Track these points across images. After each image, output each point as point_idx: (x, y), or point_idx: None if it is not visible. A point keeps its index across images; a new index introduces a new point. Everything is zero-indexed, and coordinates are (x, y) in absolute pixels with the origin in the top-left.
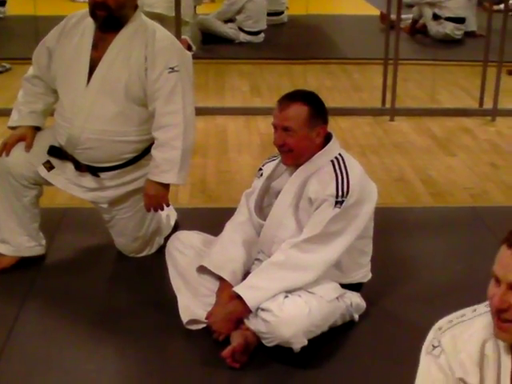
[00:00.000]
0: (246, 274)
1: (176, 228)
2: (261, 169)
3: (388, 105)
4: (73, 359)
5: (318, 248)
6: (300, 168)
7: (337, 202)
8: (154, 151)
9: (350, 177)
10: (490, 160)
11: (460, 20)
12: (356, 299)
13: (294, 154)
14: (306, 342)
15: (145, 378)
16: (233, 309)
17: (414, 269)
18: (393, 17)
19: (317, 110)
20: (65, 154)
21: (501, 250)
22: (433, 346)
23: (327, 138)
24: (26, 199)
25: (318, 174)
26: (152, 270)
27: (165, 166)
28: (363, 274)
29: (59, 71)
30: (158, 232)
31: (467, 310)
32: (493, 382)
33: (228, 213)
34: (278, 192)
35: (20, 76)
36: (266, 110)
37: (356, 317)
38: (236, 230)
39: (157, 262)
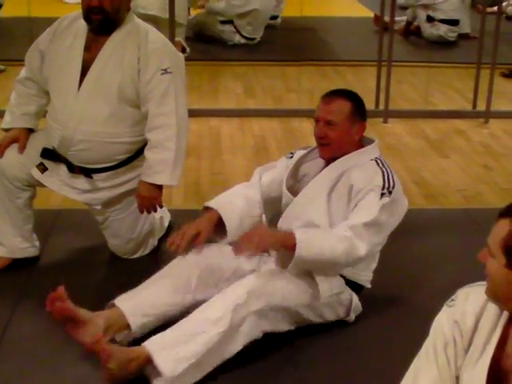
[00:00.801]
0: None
1: (170, 229)
2: (292, 152)
3: (381, 107)
4: (66, 361)
5: (369, 237)
6: (338, 160)
7: (383, 194)
8: (147, 152)
9: (393, 175)
10: (484, 162)
11: (454, 22)
12: (355, 298)
13: (332, 147)
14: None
15: (137, 380)
16: (284, 237)
17: (407, 270)
18: (387, 19)
19: (359, 107)
20: (58, 156)
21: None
22: (452, 299)
23: (368, 141)
24: (19, 201)
25: (360, 167)
26: (146, 272)
27: (158, 167)
28: (368, 278)
29: (52, 73)
30: (152, 233)
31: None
32: (485, 336)
33: None
34: (304, 175)
35: (14, 77)
36: (259, 111)
37: (352, 317)
38: (242, 188)
39: (150, 264)
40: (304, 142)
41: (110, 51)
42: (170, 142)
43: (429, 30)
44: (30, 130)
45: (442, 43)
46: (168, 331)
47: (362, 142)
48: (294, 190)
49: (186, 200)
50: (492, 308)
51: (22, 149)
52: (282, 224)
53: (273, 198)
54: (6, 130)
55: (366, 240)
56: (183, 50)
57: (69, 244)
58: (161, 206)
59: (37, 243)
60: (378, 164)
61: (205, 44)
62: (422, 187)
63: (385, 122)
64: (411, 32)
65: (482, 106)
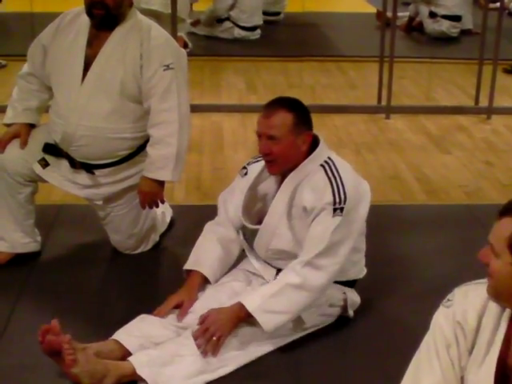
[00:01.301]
0: (225, 269)
1: (171, 225)
2: (245, 167)
3: (383, 102)
4: None
5: (329, 261)
6: (289, 176)
7: (335, 210)
8: (149, 148)
9: (344, 181)
10: (485, 158)
11: (456, 18)
12: (351, 294)
13: (279, 163)
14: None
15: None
16: (237, 314)
17: (408, 266)
18: (389, 14)
19: (301, 116)
20: (60, 152)
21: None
22: (448, 299)
23: (314, 142)
24: (20, 196)
25: (309, 181)
26: (147, 267)
27: (160, 163)
28: (357, 271)
29: (54, 68)
30: (154, 229)
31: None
32: (488, 336)
33: None
34: (265, 195)
35: (16, 73)
36: (261, 107)
37: (351, 313)
38: (212, 230)
39: (152, 259)
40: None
41: (112, 47)
42: (172, 138)
43: (431, 26)
44: (32, 126)
45: (444, 39)
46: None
47: (309, 149)
48: (256, 216)
49: (188, 195)
50: (493, 306)
51: (23, 144)
52: (258, 252)
53: None
54: (8, 125)
55: (323, 269)
56: (185, 46)
57: (70, 239)
58: (162, 202)
59: (38, 238)
60: (326, 172)
61: (207, 39)
62: (424, 183)
63: (387, 117)
64: (413, 28)
65: (484, 102)
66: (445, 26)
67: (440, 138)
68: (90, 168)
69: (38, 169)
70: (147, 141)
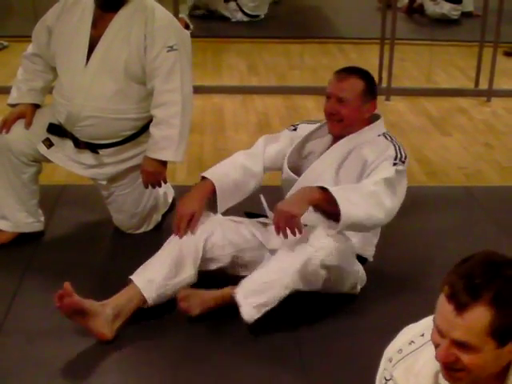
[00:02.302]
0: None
1: (173, 205)
2: (294, 125)
3: (384, 84)
4: (71, 332)
5: (392, 195)
6: (348, 137)
7: (395, 164)
8: (152, 129)
9: (402, 148)
10: (485, 140)
11: (457, 0)
12: (362, 270)
13: (343, 124)
14: None
15: (141, 350)
16: (310, 195)
17: (408, 247)
18: None
19: (371, 86)
20: (64, 132)
21: (440, 299)
22: (385, 379)
23: (375, 117)
24: (25, 176)
25: (370, 143)
26: (149, 247)
27: (163, 144)
28: (371, 253)
29: (59, 49)
30: (156, 209)
31: (415, 335)
32: None
33: None
34: (310, 153)
35: (17, 53)
36: (263, 88)
37: (358, 289)
38: (241, 156)
39: (154, 239)
40: (307, 119)
41: (116, 28)
42: (175, 118)
43: (432, 8)
44: (36, 106)
45: (444, 21)
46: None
47: (370, 119)
48: (297, 169)
49: (190, 176)
50: (442, 378)
51: (28, 124)
52: None
53: (277, 170)
54: (13, 106)
55: (393, 192)
56: (187, 27)
57: (73, 219)
58: (165, 182)
59: (42, 218)
60: (387, 138)
61: (208, 21)
62: (424, 165)
63: (387, 99)
64: (414, 10)
65: (484, 85)
66: (446, 8)
67: (440, 119)
68: (94, 148)
69: (42, 149)
70: (151, 121)
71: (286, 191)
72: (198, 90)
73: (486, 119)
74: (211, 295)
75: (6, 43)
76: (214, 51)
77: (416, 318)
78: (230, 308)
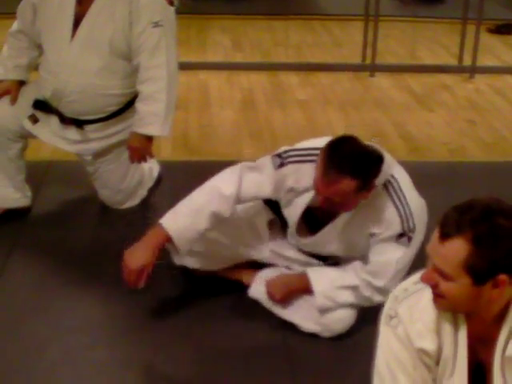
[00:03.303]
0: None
1: (159, 181)
2: (281, 156)
3: (368, 61)
4: (59, 308)
5: (390, 283)
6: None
7: (402, 238)
8: (138, 104)
9: (411, 207)
10: (468, 116)
11: None
12: None
13: (339, 208)
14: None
15: (129, 324)
16: (297, 286)
17: None
18: None
19: (366, 178)
20: (49, 108)
21: (435, 230)
22: (390, 316)
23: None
24: (11, 152)
25: (374, 204)
26: (134, 221)
27: (149, 119)
28: None
29: (44, 26)
30: (141, 184)
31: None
32: (451, 347)
33: (209, 166)
34: (304, 209)
35: (4, 31)
36: (247, 65)
37: None
38: (215, 199)
39: (139, 214)
40: (291, 96)
41: (101, 4)
42: (161, 93)
43: None
44: (22, 83)
45: None
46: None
47: None
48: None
49: (174, 151)
50: (445, 315)
51: (13, 101)
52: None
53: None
54: None
55: (386, 290)
56: (171, 3)
57: (60, 195)
58: (151, 157)
59: (29, 193)
60: (391, 196)
61: None
62: (407, 140)
63: (371, 75)
64: None
65: (467, 62)
66: None
67: (424, 96)
68: (79, 123)
69: (28, 125)
70: (136, 97)
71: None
72: (182, 66)
73: (469, 96)
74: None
75: None
76: (199, 28)
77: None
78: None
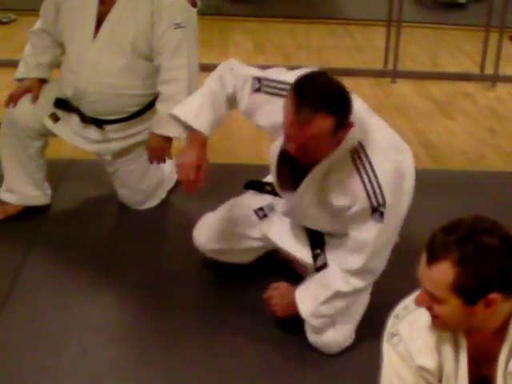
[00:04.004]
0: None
1: (178, 182)
2: (260, 81)
3: (390, 67)
4: (76, 305)
5: (376, 263)
6: (316, 168)
7: (374, 212)
8: (158, 105)
9: (379, 179)
10: (489, 125)
11: None
12: None
13: (311, 157)
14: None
15: (144, 323)
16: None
17: (410, 229)
18: None
19: (342, 115)
20: (70, 106)
21: (423, 254)
22: (392, 334)
23: None
24: (31, 150)
25: (338, 175)
26: (153, 222)
27: (168, 120)
28: None
29: (66, 25)
30: (161, 185)
31: None
32: (452, 364)
33: (229, 168)
34: (280, 152)
35: (25, 27)
36: (269, 67)
37: None
38: (217, 89)
39: (158, 215)
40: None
41: (124, 4)
42: (180, 95)
43: None
44: (43, 81)
45: (452, 5)
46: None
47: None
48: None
49: None
50: (445, 332)
51: (35, 99)
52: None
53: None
54: (20, 80)
55: (371, 272)
56: (194, 4)
57: (79, 193)
58: (170, 158)
59: (48, 191)
60: (357, 167)
61: None
62: (428, 148)
63: (393, 82)
64: None
65: (489, 70)
66: None
67: (445, 103)
68: (100, 123)
69: (48, 123)
70: (157, 98)
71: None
72: (204, 67)
73: (490, 104)
74: None
75: (13, 16)
76: (221, 29)
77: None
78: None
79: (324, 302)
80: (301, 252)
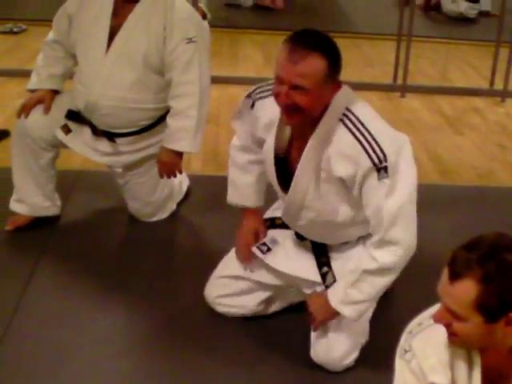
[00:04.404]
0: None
1: (188, 194)
2: (250, 96)
3: (399, 81)
4: (85, 316)
5: (400, 231)
6: (311, 139)
7: (379, 171)
8: (169, 119)
9: (374, 134)
10: (498, 141)
11: None
12: None
13: (301, 115)
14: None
15: (153, 334)
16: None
17: (418, 243)
18: None
19: (335, 61)
20: (82, 119)
21: (444, 271)
22: (405, 350)
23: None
24: (42, 161)
25: (334, 144)
26: (163, 235)
27: (179, 134)
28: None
29: (79, 37)
30: (171, 198)
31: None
32: (465, 382)
33: None
34: (280, 149)
35: (35, 37)
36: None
37: None
38: (240, 160)
39: (168, 227)
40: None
41: (137, 18)
42: (192, 109)
43: (449, 6)
44: (56, 92)
45: (461, 20)
46: None
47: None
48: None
49: (204, 166)
50: (459, 350)
51: (47, 110)
52: (285, 219)
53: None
54: (32, 91)
55: (398, 243)
56: (204, 16)
57: (89, 205)
58: (180, 172)
59: (58, 202)
60: (350, 130)
61: (226, 11)
62: (437, 163)
63: (402, 96)
64: (431, 7)
65: (499, 85)
66: (463, 6)
67: (454, 118)
68: (111, 136)
69: (60, 135)
70: (168, 111)
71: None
72: (214, 80)
73: (499, 120)
74: None
75: (24, 26)
76: (231, 41)
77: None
78: None
79: (352, 285)
80: (309, 274)
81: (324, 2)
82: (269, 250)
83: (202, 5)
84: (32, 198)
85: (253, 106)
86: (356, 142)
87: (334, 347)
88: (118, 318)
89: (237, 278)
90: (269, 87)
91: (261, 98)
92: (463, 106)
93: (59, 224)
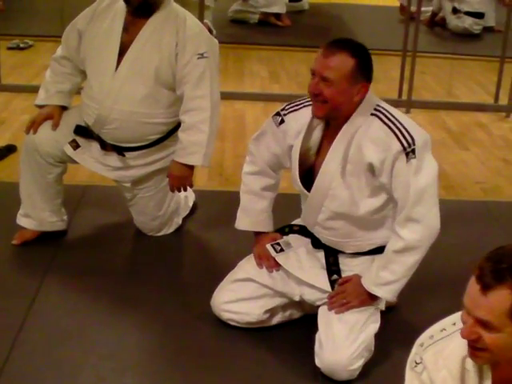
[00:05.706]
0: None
1: (194, 209)
2: (279, 114)
3: (404, 97)
4: (92, 332)
5: (424, 209)
6: (341, 132)
7: (407, 154)
8: (181, 134)
9: (403, 123)
10: (503, 155)
11: (479, 15)
12: None
13: (327, 106)
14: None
15: (159, 350)
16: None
17: (424, 259)
18: (413, 9)
19: (363, 65)
20: (91, 133)
21: (470, 280)
22: (415, 362)
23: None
24: (50, 176)
25: (366, 134)
26: (169, 249)
27: (191, 149)
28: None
29: (89, 53)
30: (177, 212)
31: (447, 324)
32: None
33: None
34: (307, 149)
35: (42, 53)
36: (284, 96)
37: (382, 306)
38: (255, 184)
39: (174, 242)
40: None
41: (148, 34)
42: (204, 124)
43: (454, 22)
44: (64, 108)
45: (466, 35)
46: None
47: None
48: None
49: (210, 181)
50: (470, 364)
51: (55, 126)
52: (307, 218)
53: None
54: (40, 107)
55: (422, 221)
56: (210, 32)
57: (95, 219)
58: (191, 186)
59: (65, 217)
60: (381, 120)
61: (231, 27)
62: (442, 178)
63: (407, 112)
64: (436, 23)
65: (503, 100)
66: (467, 22)
67: (459, 134)
68: (120, 150)
69: (69, 150)
70: (177, 126)
71: (302, 200)
72: (220, 95)
73: (504, 135)
74: None
75: (31, 42)
76: (236, 57)
77: (426, 326)
78: None
79: (384, 267)
80: (318, 280)
81: (330, 18)
82: (282, 250)
83: (207, 21)
84: (39, 213)
85: (282, 122)
86: (386, 127)
87: (339, 351)
88: (125, 334)
89: (247, 280)
90: (300, 101)
91: (292, 111)
92: (468, 121)
93: (66, 239)
